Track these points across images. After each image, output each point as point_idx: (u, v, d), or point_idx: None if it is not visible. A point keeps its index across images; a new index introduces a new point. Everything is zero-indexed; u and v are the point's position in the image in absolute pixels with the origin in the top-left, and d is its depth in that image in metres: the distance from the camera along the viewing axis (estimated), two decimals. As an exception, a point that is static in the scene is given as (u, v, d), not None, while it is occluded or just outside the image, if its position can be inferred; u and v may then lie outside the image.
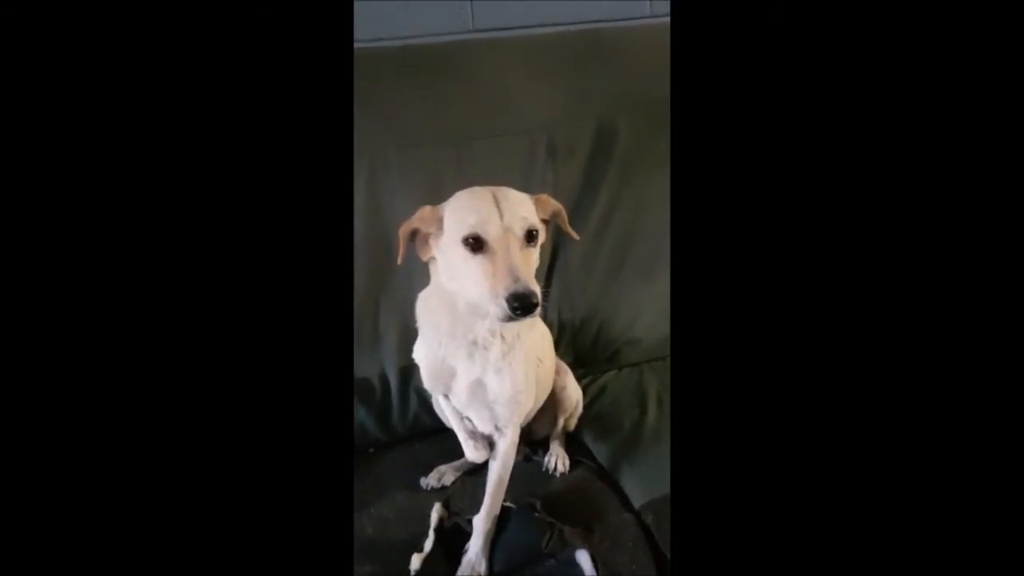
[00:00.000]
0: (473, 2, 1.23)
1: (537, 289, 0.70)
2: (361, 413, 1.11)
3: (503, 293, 0.68)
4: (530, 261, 0.75)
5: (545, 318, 1.17)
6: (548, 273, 1.18)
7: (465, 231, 0.73)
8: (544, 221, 0.80)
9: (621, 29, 1.25)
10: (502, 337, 0.83)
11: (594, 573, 0.84)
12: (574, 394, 1.07)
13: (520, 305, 0.68)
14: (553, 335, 1.18)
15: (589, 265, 1.19)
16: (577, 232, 1.18)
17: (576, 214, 1.17)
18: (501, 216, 0.72)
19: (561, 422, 1.07)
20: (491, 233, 0.72)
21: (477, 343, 0.83)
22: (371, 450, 1.14)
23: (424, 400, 1.12)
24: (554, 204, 0.82)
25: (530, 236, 0.74)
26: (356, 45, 1.08)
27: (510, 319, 0.69)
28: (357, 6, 1.17)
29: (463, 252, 0.73)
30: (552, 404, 1.05)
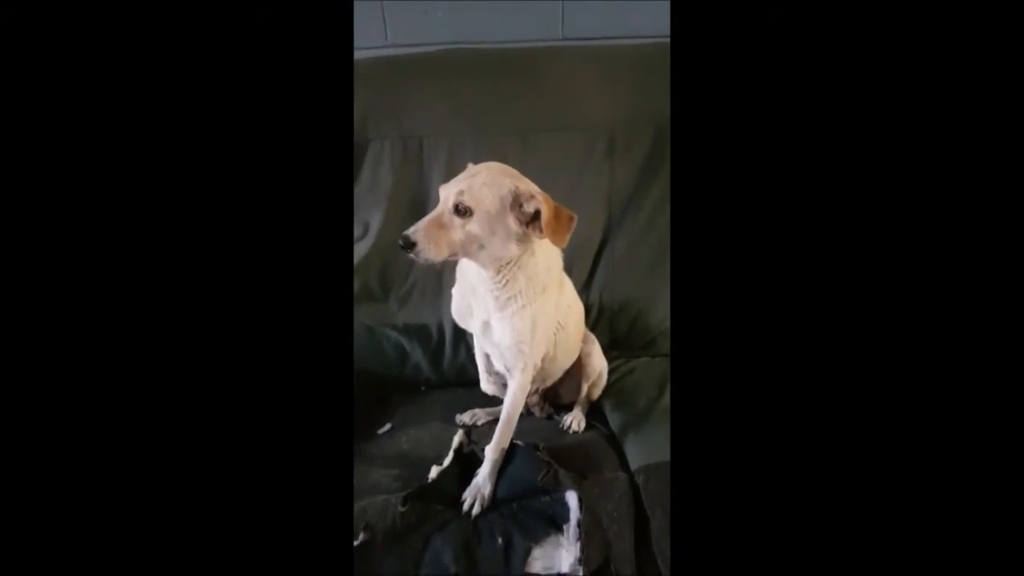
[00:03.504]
0: (564, 14, 1.40)
1: (422, 241, 0.87)
2: (418, 353, 1.32)
3: None
4: (449, 225, 0.89)
5: (586, 299, 1.30)
6: (595, 258, 1.31)
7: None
8: (534, 214, 0.90)
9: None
10: (495, 296, 0.98)
11: (579, 513, 0.95)
12: (598, 362, 1.18)
13: (402, 242, 0.88)
14: (592, 316, 1.31)
15: (633, 256, 1.30)
16: (627, 225, 1.31)
17: (628, 207, 1.30)
18: (455, 186, 0.89)
19: (585, 388, 1.19)
20: (441, 195, 0.92)
21: (476, 290, 1.00)
22: (423, 388, 1.35)
23: (471, 353, 1.29)
24: (538, 203, 0.89)
25: (456, 209, 0.89)
26: (453, 46, 1.29)
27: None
28: (466, 13, 1.39)
29: None
30: (577, 370, 1.18)
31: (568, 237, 0.90)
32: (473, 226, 0.89)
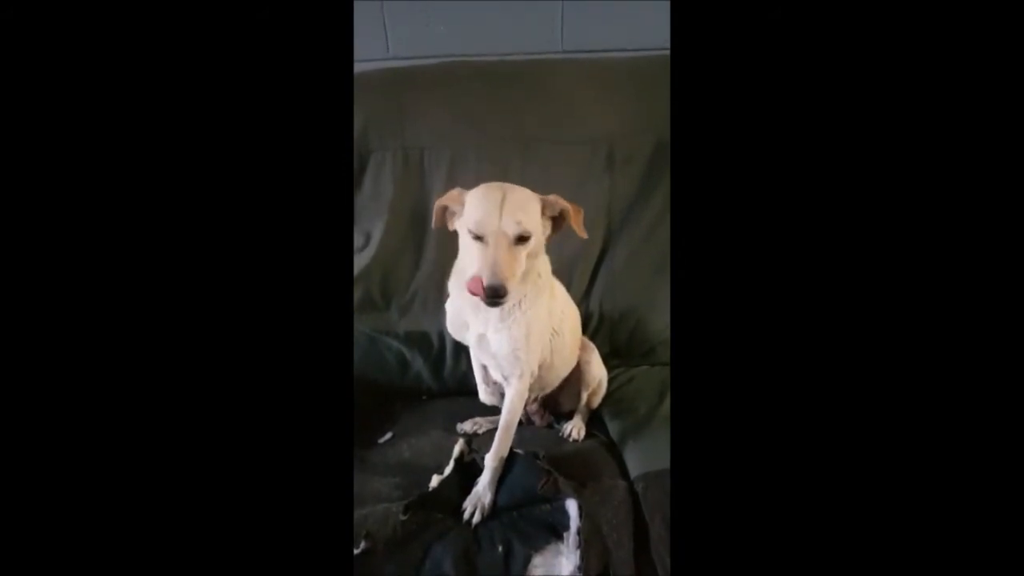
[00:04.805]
0: (564, 26, 1.42)
1: (508, 283, 0.86)
2: (419, 362, 1.33)
3: (483, 282, 0.86)
4: (517, 257, 0.89)
5: (586, 308, 1.31)
6: (595, 268, 1.32)
7: (471, 224, 0.90)
8: (554, 219, 0.95)
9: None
10: (500, 307, 0.98)
11: (578, 521, 0.95)
12: (597, 371, 1.19)
13: (491, 296, 0.85)
14: (592, 325, 1.32)
15: (634, 266, 1.31)
16: (627, 236, 1.33)
17: (628, 218, 1.31)
18: (500, 217, 0.88)
19: (585, 397, 1.20)
20: (488, 231, 0.88)
21: (478, 305, 0.99)
22: (424, 397, 1.36)
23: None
24: (563, 204, 0.94)
25: (519, 238, 0.89)
26: (454, 58, 1.31)
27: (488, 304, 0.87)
28: (466, 24, 1.41)
29: (468, 237, 0.91)
30: (576, 378, 1.19)
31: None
32: (531, 249, 0.92)
